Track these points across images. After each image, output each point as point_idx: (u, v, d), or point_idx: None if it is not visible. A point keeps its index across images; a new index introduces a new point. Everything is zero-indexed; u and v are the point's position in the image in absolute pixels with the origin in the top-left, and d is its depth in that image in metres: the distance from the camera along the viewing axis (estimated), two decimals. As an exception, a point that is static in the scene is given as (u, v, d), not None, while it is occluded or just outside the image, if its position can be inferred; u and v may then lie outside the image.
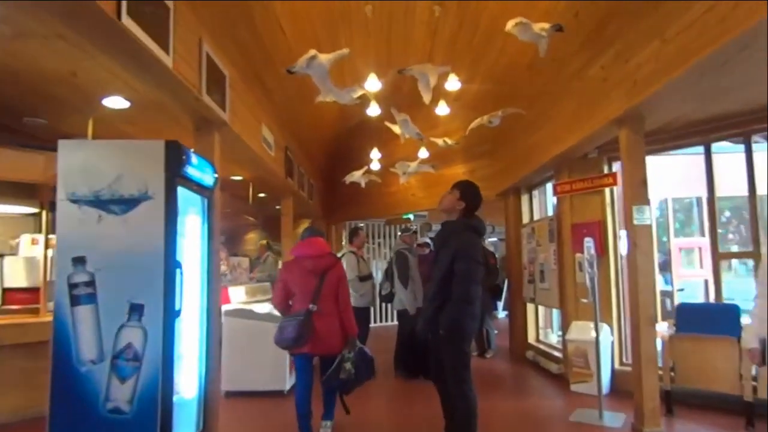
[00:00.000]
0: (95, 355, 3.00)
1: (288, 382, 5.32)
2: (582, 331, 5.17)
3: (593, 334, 4.54)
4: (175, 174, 3.12)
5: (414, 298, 5.92)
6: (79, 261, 3.06)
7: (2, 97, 4.53)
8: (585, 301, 4.79)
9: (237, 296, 5.67)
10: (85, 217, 3.08)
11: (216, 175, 3.78)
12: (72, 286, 3.04)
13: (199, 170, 3.44)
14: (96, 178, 3.09)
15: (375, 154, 7.53)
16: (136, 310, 3.02)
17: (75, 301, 3.03)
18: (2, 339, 4.28)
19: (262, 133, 5.29)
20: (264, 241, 8.61)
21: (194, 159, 3.33)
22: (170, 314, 3.05)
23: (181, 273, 3.16)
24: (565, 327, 5.81)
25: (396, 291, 6.00)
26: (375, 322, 9.76)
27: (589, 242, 4.52)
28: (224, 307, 5.43)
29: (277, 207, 7.51)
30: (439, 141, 6.44)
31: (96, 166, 3.11)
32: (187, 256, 3.65)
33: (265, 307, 6.30)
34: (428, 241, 7.93)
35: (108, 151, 3.18)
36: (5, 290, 5.27)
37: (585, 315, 5.22)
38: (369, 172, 7.39)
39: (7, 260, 5.34)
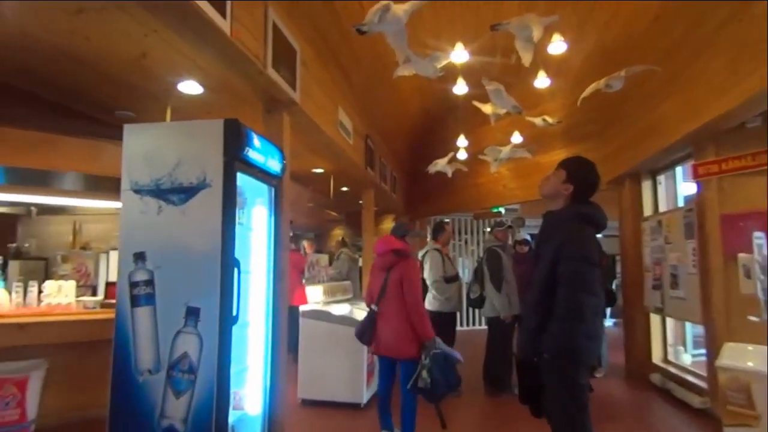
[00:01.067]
0: (152, 363, 2.66)
1: (365, 394, 4.83)
2: (740, 356, 3.74)
3: (765, 362, 3.34)
4: (234, 157, 2.70)
5: (508, 303, 5.21)
6: (139, 257, 2.74)
7: (87, 90, 4.44)
8: (755, 319, 3.64)
9: (315, 295, 5.27)
10: (146, 209, 2.76)
11: (284, 162, 3.35)
12: (132, 285, 2.73)
13: (263, 154, 3.01)
14: (157, 166, 2.77)
15: (462, 142, 6.87)
16: (192, 314, 2.64)
17: (135, 301, 2.72)
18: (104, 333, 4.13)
19: (338, 118, 4.83)
20: (340, 238, 8.26)
21: (256, 141, 2.90)
22: (227, 321, 2.64)
23: (239, 272, 2.73)
24: (712, 348, 4.52)
25: (487, 295, 5.31)
26: (461, 325, 9.12)
27: (760, 238, 3.49)
28: (302, 308, 5.06)
29: (360, 202, 7.08)
30: (537, 120, 5.65)
31: (157, 151, 2.78)
32: (254, 252, 3.26)
33: (344, 308, 5.87)
34: (528, 237, 7.14)
35: (169, 134, 2.84)
36: (108, 284, 5.30)
37: (744, 334, 3.92)
38: (455, 160, 6.73)
39: (112, 254, 5.36)
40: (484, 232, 11.00)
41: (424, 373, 3.27)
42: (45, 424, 3.28)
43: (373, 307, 3.53)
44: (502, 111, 5.45)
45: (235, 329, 3.17)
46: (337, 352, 4.88)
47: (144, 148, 2.78)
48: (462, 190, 9.06)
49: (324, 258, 5.94)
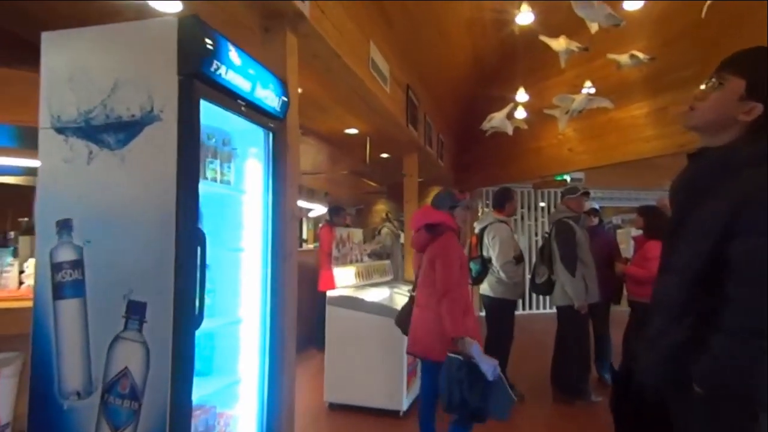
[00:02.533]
0: (81, 383, 1.81)
1: (405, 400, 3.92)
2: None
3: None
4: (194, 74, 1.77)
5: (585, 289, 4.13)
6: (63, 227, 1.88)
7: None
8: None
9: (345, 279, 4.37)
10: (72, 155, 1.88)
11: (286, 97, 2.39)
12: (55, 268, 1.88)
13: (249, 79, 2.06)
14: (87, 92, 1.87)
15: (521, 96, 5.71)
16: (135, 312, 1.76)
17: (58, 292, 1.87)
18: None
19: (369, 54, 3.82)
20: (384, 213, 7.34)
21: (235, 55, 1.95)
22: (185, 322, 1.74)
23: (203, 251, 1.82)
24: None
25: (557, 279, 4.24)
26: (522, 308, 7.95)
27: None
28: (329, 294, 4.18)
29: (403, 174, 6.09)
30: (622, 58, 4.46)
31: (87, 70, 1.88)
32: (249, 224, 2.37)
33: (381, 293, 4.96)
34: (596, 207, 5.94)
35: (103, 43, 1.92)
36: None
37: None
38: (513, 116, 5.59)
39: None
40: (545, 205, 9.77)
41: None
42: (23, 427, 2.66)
43: (411, 292, 3.06)
44: (576, 47, 4.30)
45: (224, 330, 2.32)
46: (371, 348, 3.98)
47: (69, 67, 1.89)
48: (519, 156, 7.87)
49: (357, 233, 5.01)
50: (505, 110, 5.31)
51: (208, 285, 1.94)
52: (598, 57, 6.09)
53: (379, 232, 7.39)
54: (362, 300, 4.11)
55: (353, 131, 5.70)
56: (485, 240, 4.37)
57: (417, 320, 2.94)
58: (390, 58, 4.39)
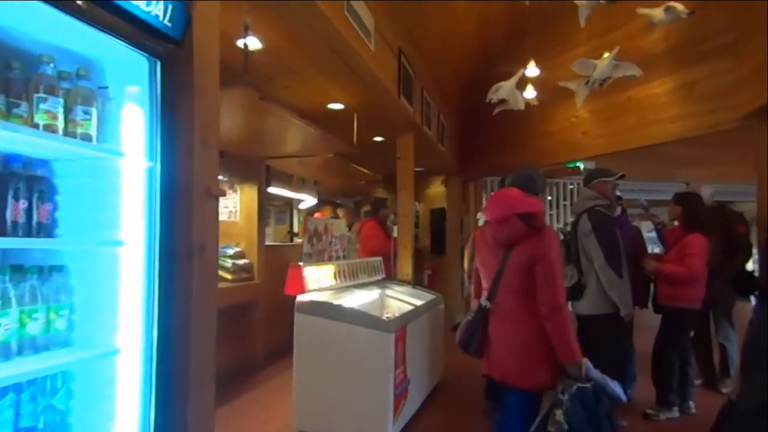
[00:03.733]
0: None
1: (392, 429, 3.13)
2: None
3: None
4: None
5: (628, 292, 3.28)
6: None
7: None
8: None
9: (319, 280, 3.57)
10: None
11: (185, 9, 1.58)
12: None
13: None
14: None
15: (532, 71, 4.88)
16: None
17: None
18: None
19: (344, -4, 3.00)
20: (367, 207, 6.55)
21: None
22: None
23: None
24: None
25: (588, 282, 3.35)
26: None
27: None
28: (297, 299, 3.39)
29: (398, 157, 5.27)
30: (655, 12, 3.66)
31: None
32: (131, 208, 1.57)
33: (370, 296, 4.16)
34: (619, 194, 5.10)
35: None
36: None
37: None
38: (522, 86, 4.77)
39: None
40: (557, 197, 8.93)
41: (558, 414, 2.13)
42: None
43: (484, 302, 2.40)
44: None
45: (89, 368, 1.53)
46: (350, 365, 3.20)
47: None
48: (528, 142, 7.03)
49: (339, 224, 4.20)
50: (514, 78, 4.48)
51: (61, 297, 1.18)
52: (617, 27, 5.29)
53: None
54: (339, 307, 3.31)
55: (338, 106, 4.88)
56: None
57: (500, 336, 2.35)
58: (375, 10, 3.57)
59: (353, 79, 3.79)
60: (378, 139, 6.34)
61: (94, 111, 1.49)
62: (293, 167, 6.55)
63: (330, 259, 3.94)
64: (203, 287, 1.64)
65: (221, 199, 5.82)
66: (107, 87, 1.55)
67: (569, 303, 3.41)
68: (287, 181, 6.96)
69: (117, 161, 1.55)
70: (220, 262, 4.92)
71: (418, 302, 4.20)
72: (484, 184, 8.85)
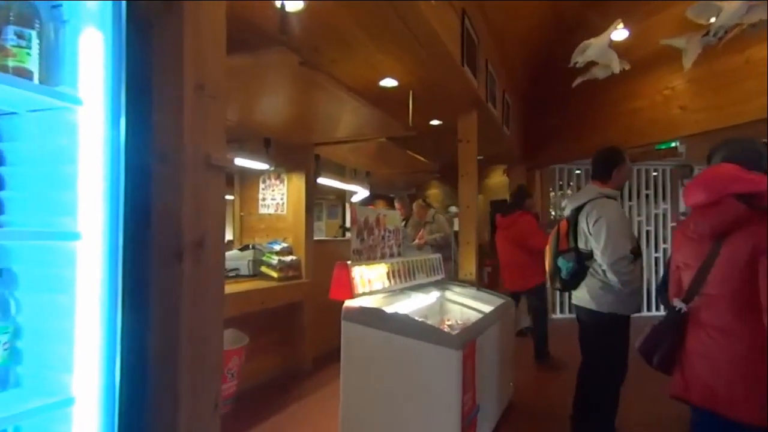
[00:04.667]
0: None
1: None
2: None
3: None
4: None
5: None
6: None
7: None
8: None
9: (372, 281, 3.03)
10: None
11: None
12: None
13: None
14: None
15: (620, 33, 4.13)
16: None
17: None
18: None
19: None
20: (422, 199, 5.95)
21: None
22: None
23: None
24: None
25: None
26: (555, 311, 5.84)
27: None
28: (345, 304, 2.86)
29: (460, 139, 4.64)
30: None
31: None
32: (90, 185, 1.04)
33: (427, 299, 3.58)
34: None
35: None
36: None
37: None
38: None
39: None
40: (644, 186, 7.98)
41: None
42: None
43: (678, 304, 1.87)
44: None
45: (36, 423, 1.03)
46: (409, 386, 2.63)
47: None
48: (606, 122, 6.21)
49: (393, 216, 3.64)
50: (607, 33, 3.74)
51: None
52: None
53: (433, 219, 6.03)
54: (394, 315, 2.75)
55: (391, 83, 4.31)
56: (582, 225, 2.90)
57: (702, 349, 1.80)
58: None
59: (410, 44, 3.21)
60: (435, 122, 5.72)
61: (34, 36, 0.99)
62: (344, 156, 6.05)
63: (383, 257, 3.38)
64: (201, 301, 1.11)
65: (268, 190, 5.51)
66: (61, 4, 1.05)
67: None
68: (338, 171, 6.49)
69: (73, 114, 1.04)
70: (264, 258, 4.48)
71: (486, 308, 3.57)
72: (552, 173, 8.05)
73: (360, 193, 7.31)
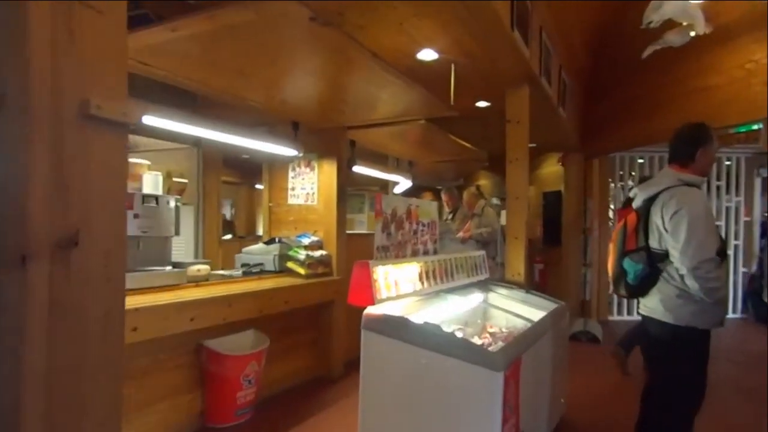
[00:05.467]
0: None
1: None
2: None
3: None
4: None
5: None
6: None
7: None
8: None
9: (399, 282, 2.58)
10: None
11: None
12: None
13: None
14: None
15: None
16: None
17: None
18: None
19: None
20: (475, 186, 5.38)
21: None
22: None
23: None
24: None
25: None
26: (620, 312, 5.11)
27: None
28: (367, 311, 2.42)
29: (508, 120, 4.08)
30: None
31: None
32: None
33: (467, 304, 3.10)
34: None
35: None
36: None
37: None
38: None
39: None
40: (725, 176, 7.12)
41: None
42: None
43: None
44: None
45: None
46: (436, 413, 2.18)
47: None
48: (676, 102, 5.45)
49: (428, 207, 3.16)
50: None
51: None
52: None
53: (482, 212, 5.50)
54: (421, 327, 2.29)
55: (430, 56, 3.80)
56: (656, 219, 2.34)
57: None
58: None
59: (450, 5, 2.72)
60: (482, 104, 5.16)
61: None
62: (383, 143, 5.59)
63: (414, 254, 2.92)
64: (72, 323, 0.70)
65: (297, 179, 5.15)
66: None
67: None
68: (379, 161, 6.04)
69: None
70: (291, 253, 4.11)
71: (536, 315, 3.06)
72: (612, 162, 7.30)
73: (402, 183, 6.84)
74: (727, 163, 7.38)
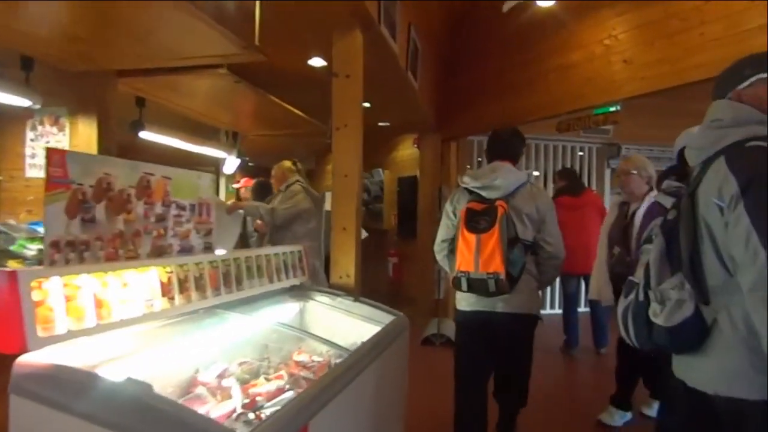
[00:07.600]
0: None
1: None
2: None
3: None
4: None
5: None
6: None
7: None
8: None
9: (115, 303, 1.48)
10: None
11: None
12: None
13: None
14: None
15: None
16: None
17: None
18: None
19: None
20: (292, 161, 4.25)
21: None
22: None
23: None
24: None
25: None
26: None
27: None
28: (18, 361, 1.27)
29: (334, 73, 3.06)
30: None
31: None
32: None
33: (269, 320, 2.09)
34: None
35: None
36: None
37: None
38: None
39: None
40: (580, 158, 6.96)
41: None
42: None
43: None
44: None
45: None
46: None
47: None
48: (536, 80, 4.98)
49: (195, 180, 2.08)
50: None
51: None
52: None
53: (286, 190, 4.34)
54: (114, 389, 1.22)
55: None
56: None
57: None
58: None
59: None
60: (316, 62, 4.15)
61: None
62: (185, 103, 4.29)
63: (160, 253, 1.83)
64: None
65: (39, 141, 3.25)
66: None
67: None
68: (186, 128, 4.76)
69: None
70: (14, 249, 2.77)
71: (362, 334, 2.17)
72: (470, 145, 6.82)
73: (228, 161, 5.62)
74: (580, 153, 7.32)
